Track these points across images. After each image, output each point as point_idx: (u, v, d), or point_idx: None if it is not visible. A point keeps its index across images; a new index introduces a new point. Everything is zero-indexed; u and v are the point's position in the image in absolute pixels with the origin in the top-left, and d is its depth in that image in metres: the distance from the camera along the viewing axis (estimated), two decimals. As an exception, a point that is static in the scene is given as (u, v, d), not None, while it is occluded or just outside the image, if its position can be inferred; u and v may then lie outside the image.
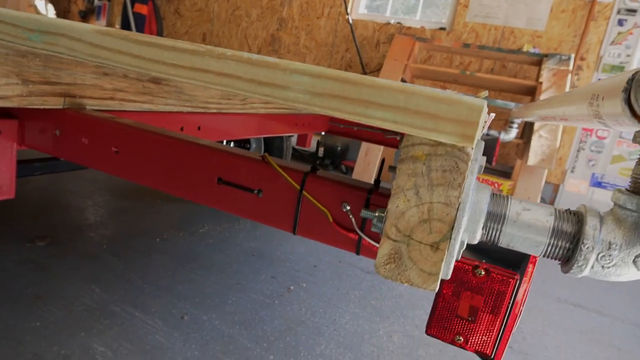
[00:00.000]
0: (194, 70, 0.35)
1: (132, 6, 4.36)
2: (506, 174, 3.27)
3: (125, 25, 4.43)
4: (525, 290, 0.42)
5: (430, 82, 3.55)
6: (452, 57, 3.50)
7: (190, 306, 1.33)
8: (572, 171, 3.31)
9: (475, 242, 0.37)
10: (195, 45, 0.37)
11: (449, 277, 0.34)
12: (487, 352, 0.41)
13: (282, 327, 1.32)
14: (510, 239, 0.34)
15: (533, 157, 2.66)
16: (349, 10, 3.79)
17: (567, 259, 0.32)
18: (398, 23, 3.68)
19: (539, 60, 2.97)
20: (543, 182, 2.73)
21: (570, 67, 2.82)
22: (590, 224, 0.31)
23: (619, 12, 3.08)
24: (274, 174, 0.62)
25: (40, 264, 1.43)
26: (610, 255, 0.30)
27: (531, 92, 2.97)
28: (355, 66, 3.79)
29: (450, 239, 0.31)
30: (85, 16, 4.98)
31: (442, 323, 0.42)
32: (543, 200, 3.25)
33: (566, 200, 3.32)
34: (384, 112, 0.29)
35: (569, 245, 0.31)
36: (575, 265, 0.31)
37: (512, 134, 1.97)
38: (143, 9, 4.39)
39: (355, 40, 3.63)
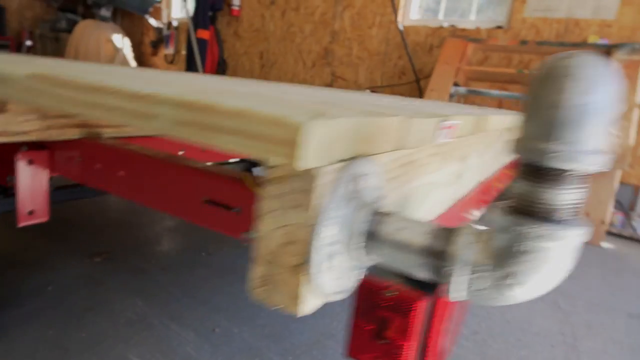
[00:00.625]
0: (86, 105, 0.38)
1: (195, 32, 4.65)
2: (577, 176, 3.02)
3: (190, 51, 4.73)
4: (449, 311, 0.40)
5: (488, 84, 3.39)
6: (510, 56, 3.32)
7: (224, 319, 1.38)
8: (655, 170, 2.97)
9: (372, 262, 0.36)
10: (89, 83, 0.40)
11: (330, 298, 0.34)
12: (404, 377, 0.39)
13: (311, 340, 1.32)
14: (390, 259, 0.32)
15: (602, 158, 2.44)
16: (400, 17, 3.75)
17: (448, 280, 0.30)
18: (451, 26, 3.57)
19: (607, 52, 2.72)
20: (616, 184, 2.49)
21: (644, 56, 2.55)
22: (462, 244, 0.29)
23: (703, -11, 2.74)
24: (251, 193, 0.64)
25: (95, 278, 1.57)
26: (482, 278, 0.28)
27: (599, 87, 2.72)
28: (408, 73, 3.73)
29: (311, 261, 0.30)
30: (155, 45, 5.40)
31: (358, 345, 0.41)
32: (619, 203, 2.94)
33: (650, 203, 2.98)
34: (231, 137, 0.29)
35: (444, 265, 0.29)
36: (452, 288, 0.29)
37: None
38: (205, 34, 4.67)
39: (407, 47, 3.57)
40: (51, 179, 1.01)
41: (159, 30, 5.34)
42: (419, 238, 0.30)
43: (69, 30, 5.17)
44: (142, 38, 5.64)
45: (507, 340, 1.42)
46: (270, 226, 0.32)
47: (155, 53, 5.51)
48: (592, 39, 2.90)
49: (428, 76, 3.57)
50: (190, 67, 4.75)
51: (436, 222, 0.32)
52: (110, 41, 5.02)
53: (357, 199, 0.33)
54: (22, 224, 0.97)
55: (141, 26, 5.60)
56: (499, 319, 1.56)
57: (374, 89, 3.84)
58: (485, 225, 0.28)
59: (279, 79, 4.54)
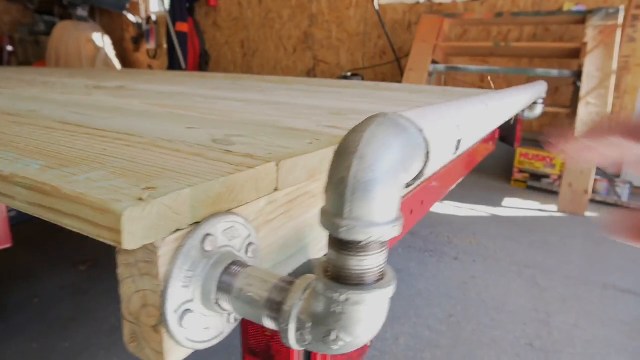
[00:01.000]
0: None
1: (174, 25, 4.60)
2: (561, 145, 3.02)
3: (171, 45, 4.69)
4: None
5: (468, 58, 3.37)
6: (489, 28, 3.28)
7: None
8: (638, 135, 2.97)
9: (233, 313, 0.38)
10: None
11: (201, 346, 0.36)
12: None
13: None
14: (243, 312, 0.35)
15: (581, 127, 2.44)
16: (376, -4, 3.70)
17: (287, 331, 0.33)
18: (428, 1, 3.52)
19: (583, 18, 2.69)
20: (597, 152, 2.49)
21: (620, 22, 2.52)
22: (289, 301, 0.31)
23: (678, -53, 2.69)
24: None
25: (79, 287, 1.61)
26: (305, 333, 0.30)
27: (576, 55, 2.71)
28: (389, 52, 3.70)
29: (166, 322, 0.33)
30: (137, 41, 5.35)
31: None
32: (600, 170, 2.96)
33: (635, 167, 2.99)
34: (71, 221, 0.31)
35: (279, 319, 0.32)
36: (284, 339, 0.32)
37: (537, 111, 1.82)
38: (184, 27, 4.62)
39: (384, 26, 3.53)
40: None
41: (138, 25, 5.29)
42: (263, 292, 0.33)
43: (48, 32, 5.12)
44: (122, 35, 5.58)
45: (480, 322, 1.46)
46: (129, 290, 0.34)
47: (137, 49, 5.47)
48: (568, 5, 2.86)
49: (408, 54, 3.55)
50: (173, 61, 4.72)
51: (277, 275, 0.34)
52: (91, 41, 4.97)
53: (211, 257, 0.35)
54: (-14, 251, 0.99)
55: (120, 23, 5.54)
56: (475, 299, 1.60)
57: (355, 72, 3.81)
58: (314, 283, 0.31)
59: (262, 67, 4.51)
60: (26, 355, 1.24)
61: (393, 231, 0.27)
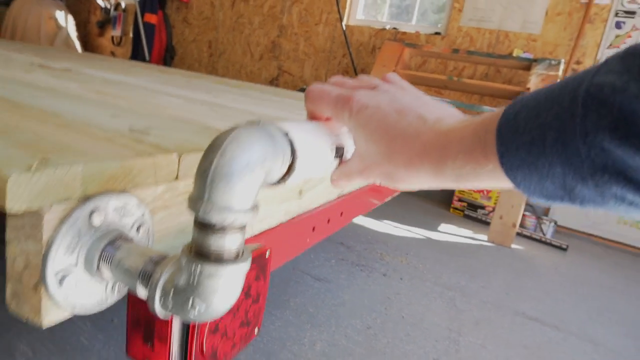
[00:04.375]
0: None
1: (143, 16, 4.55)
2: (499, 180, 3.20)
3: (137, 35, 4.62)
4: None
5: (425, 87, 3.53)
6: (446, 62, 3.47)
7: (124, 310, 1.42)
8: (568, 178, 3.20)
9: (113, 283, 0.42)
10: None
11: (81, 312, 0.40)
12: (165, 376, 0.46)
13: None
14: (121, 280, 0.39)
15: (515, 165, 2.61)
16: (345, 17, 3.82)
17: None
18: (394, 28, 3.68)
19: (529, 65, 2.90)
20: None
21: (560, 73, 2.74)
22: (158, 272, 0.36)
23: (617, 14, 2.96)
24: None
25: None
26: (167, 300, 0.35)
27: (519, 98, 2.90)
28: (351, 72, 3.81)
29: (46, 282, 0.36)
30: (102, 26, 5.23)
31: (133, 347, 0.47)
32: (532, 208, 3.17)
33: (562, 208, 3.22)
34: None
35: (148, 288, 0.36)
36: (150, 306, 0.36)
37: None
38: (152, 19, 4.57)
39: (349, 47, 3.65)
40: None
41: (106, 10, 5.17)
42: (138, 264, 0.37)
43: (7, 3, 4.91)
44: (88, 17, 5.44)
45: (396, 335, 1.54)
46: (14, 252, 0.37)
47: (102, 34, 5.33)
48: (517, 52, 3.08)
49: (369, 76, 3.67)
50: (137, 51, 4.65)
51: (156, 251, 0.38)
52: (53, 18, 4.81)
53: (98, 230, 0.39)
54: None
55: (88, 5, 5.40)
56: (395, 315, 1.68)
57: (317, 86, 3.89)
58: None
59: (227, 69, 4.53)
60: None
61: (245, 217, 0.32)
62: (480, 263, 2.35)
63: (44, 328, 0.37)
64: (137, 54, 4.66)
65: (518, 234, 2.92)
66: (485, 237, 2.79)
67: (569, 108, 0.27)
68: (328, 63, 3.97)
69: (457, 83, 3.00)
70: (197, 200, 0.32)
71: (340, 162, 0.46)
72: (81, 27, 5.37)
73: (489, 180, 0.33)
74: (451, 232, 2.81)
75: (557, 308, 1.97)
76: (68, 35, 4.91)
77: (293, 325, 1.49)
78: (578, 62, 3.04)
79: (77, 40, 5.07)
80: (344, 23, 3.69)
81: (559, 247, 2.84)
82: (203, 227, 0.32)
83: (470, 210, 3.17)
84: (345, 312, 1.64)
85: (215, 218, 0.31)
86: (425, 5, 3.75)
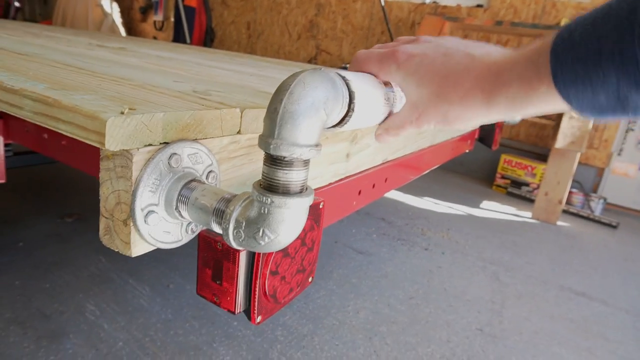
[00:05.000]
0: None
1: (183, 0, 4.64)
2: (544, 156, 3.11)
3: (178, 19, 4.73)
4: (270, 259, 0.51)
5: (466, 62, 3.44)
6: (489, 36, 3.36)
7: (179, 276, 1.51)
8: (619, 154, 3.08)
9: (190, 221, 0.46)
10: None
11: (163, 246, 0.45)
12: (232, 309, 0.51)
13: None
14: (196, 219, 0.43)
15: (562, 140, 2.54)
16: (384, -8, 3.76)
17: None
18: (434, 2, 3.59)
19: (577, 36, 2.77)
20: (575, 165, 2.59)
21: (611, 42, 2.61)
22: (231, 207, 0.40)
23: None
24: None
25: (64, 237, 1.69)
26: (240, 231, 0.39)
27: (567, 70, 2.79)
28: (390, 49, 3.76)
29: (134, 217, 0.41)
30: (144, 12, 5.38)
31: (203, 285, 0.52)
32: (580, 185, 3.06)
33: (612, 185, 3.10)
34: (67, 126, 0.40)
35: (222, 222, 0.40)
36: (225, 239, 0.40)
37: (516, 118, 1.91)
38: (192, 2, 4.66)
39: (388, 23, 3.60)
40: (9, 145, 1.10)
41: (148, -4, 5.31)
42: (213, 202, 0.41)
43: (58, -8, 5.13)
44: (131, 4, 5.60)
45: (439, 306, 1.56)
46: (107, 191, 0.42)
47: (144, 19, 5.49)
48: (564, 22, 2.94)
49: (408, 53, 3.61)
50: (178, 34, 4.77)
51: (228, 191, 0.42)
52: (99, 6, 4.99)
53: (176, 173, 0.43)
54: (-20, 185, 1.07)
55: (130, -9, 5.56)
56: (437, 287, 1.70)
57: (356, 64, 3.88)
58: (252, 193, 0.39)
59: (265, 50, 4.57)
60: (8, 291, 1.32)
61: (310, 153, 0.36)
62: (524, 239, 2.32)
63: (132, 257, 0.42)
64: (178, 38, 4.78)
65: (564, 211, 2.84)
66: (529, 215, 2.74)
67: (627, 17, 0.28)
68: (366, 40, 3.94)
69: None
70: (267, 137, 0.35)
71: (388, 116, 0.48)
72: (125, 13, 5.55)
73: (541, 103, 0.35)
74: (494, 209, 2.76)
75: (605, 284, 1.92)
76: (113, 21, 5.08)
77: (337, 295, 1.54)
78: (632, 31, 2.88)
79: (122, 27, 5.25)
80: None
81: (609, 225, 2.74)
82: (273, 162, 0.36)
83: (514, 188, 3.11)
84: (387, 283, 1.67)
85: (284, 152, 0.35)
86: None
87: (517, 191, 3.08)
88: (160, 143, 0.41)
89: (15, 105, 0.43)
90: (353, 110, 0.40)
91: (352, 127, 0.43)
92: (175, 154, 0.43)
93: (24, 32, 1.47)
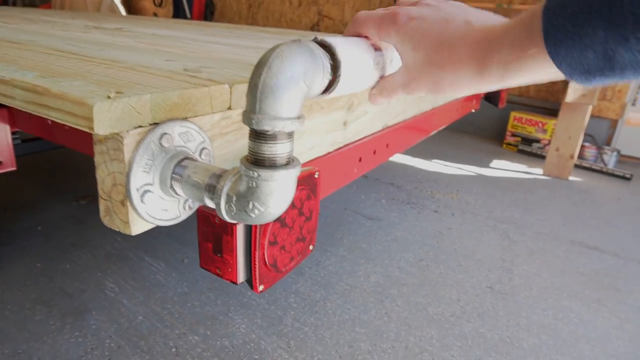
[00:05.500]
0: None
1: (180, -27, 4.55)
2: (555, 111, 3.05)
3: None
4: (267, 229, 0.52)
5: (472, 18, 3.35)
6: (494, -12, 3.24)
7: (192, 251, 1.55)
8: (633, 104, 3.00)
9: (184, 198, 0.48)
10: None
11: (161, 223, 0.46)
12: (235, 280, 0.53)
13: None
14: (190, 195, 0.44)
15: (572, 93, 2.48)
16: (384, -50, 3.64)
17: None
18: (436, -43, 3.46)
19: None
20: (586, 119, 2.54)
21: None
22: (221, 182, 0.41)
23: None
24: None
25: (80, 218, 1.73)
26: (232, 205, 0.40)
27: (577, 20, 2.70)
28: (393, 9, 3.67)
29: (130, 197, 0.43)
30: (143, -12, 5.29)
31: (205, 258, 0.54)
32: (592, 138, 3.01)
33: (626, 136, 3.04)
34: (57, 113, 0.41)
35: (214, 197, 0.42)
36: (218, 212, 0.42)
37: (511, 84, 1.87)
38: (189, -25, 4.56)
39: (389, -18, 3.49)
40: (16, 133, 1.13)
41: (144, -30, 5.21)
42: (204, 178, 0.42)
43: (53, -26, 5.06)
44: (129, -20, 5.50)
45: (449, 266, 1.58)
46: (103, 173, 0.44)
47: (142, -5, 5.41)
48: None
49: (412, 13, 3.52)
50: (178, 9, 4.70)
51: (218, 167, 0.43)
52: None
53: (168, 152, 0.44)
54: (-7, 173, 1.10)
55: (126, -33, 5.45)
56: (447, 248, 1.72)
57: (359, 28, 3.80)
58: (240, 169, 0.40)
59: (267, 19, 4.49)
60: (31, 273, 1.37)
61: (293, 125, 0.36)
62: (535, 196, 2.31)
63: (133, 235, 0.44)
64: (178, 13, 4.71)
65: (577, 165, 2.81)
66: (540, 171, 2.71)
67: None
68: (369, 3, 3.84)
69: (508, 10, 2.82)
70: (249, 112, 0.36)
71: (381, 78, 0.48)
72: (124, -8, 5.46)
73: (534, 69, 0.35)
74: (504, 168, 2.75)
75: (617, 236, 1.92)
76: (112, 1, 5.02)
77: (347, 260, 1.57)
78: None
79: (121, 5, 5.19)
80: (382, -43, 3.52)
81: (622, 177, 2.71)
82: (257, 136, 0.37)
83: (525, 145, 3.07)
84: (397, 247, 1.69)
85: (266, 126, 0.35)
86: None
87: (528, 148, 3.05)
88: (150, 124, 0.42)
89: (8, 96, 0.44)
90: (339, 76, 0.41)
91: (340, 93, 0.43)
92: (165, 133, 0.44)
93: (20, 19, 1.47)
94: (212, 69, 0.62)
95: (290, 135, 0.37)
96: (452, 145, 3.17)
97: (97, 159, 0.43)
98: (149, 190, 0.44)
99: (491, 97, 1.82)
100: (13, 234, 1.59)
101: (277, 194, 0.38)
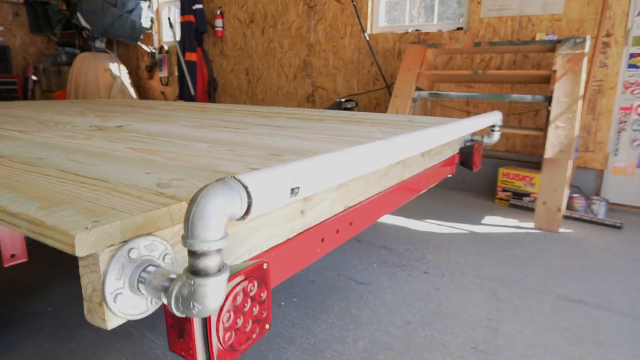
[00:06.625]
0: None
1: (184, 55, 4.94)
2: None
3: (181, 73, 5.02)
4: (222, 315, 0.64)
5: (454, 85, 3.58)
6: (472, 56, 3.49)
7: (190, 325, 1.64)
8: (615, 154, 3.12)
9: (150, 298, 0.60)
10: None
11: (134, 317, 0.58)
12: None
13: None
14: (151, 294, 0.57)
15: (550, 149, 2.62)
16: (368, 26, 3.96)
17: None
18: (416, 30, 3.76)
19: (553, 47, 2.89)
20: (567, 172, 2.66)
21: (586, 50, 2.71)
22: (172, 286, 0.53)
23: (643, -21, 2.88)
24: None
25: (86, 297, 1.84)
26: (178, 304, 0.52)
27: (549, 81, 2.90)
28: (381, 79, 3.93)
29: (105, 300, 0.55)
30: (151, 69, 5.72)
31: (172, 342, 0.65)
32: (579, 189, 3.11)
33: (614, 185, 3.13)
34: (50, 240, 0.54)
35: (167, 298, 0.54)
36: (170, 308, 0.54)
37: (494, 138, 2.02)
38: (193, 57, 4.96)
39: (374, 55, 3.77)
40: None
41: (152, 55, 5.66)
42: (161, 282, 0.55)
43: (69, 63, 5.52)
44: (138, 63, 5.96)
45: (435, 328, 1.65)
46: (85, 281, 0.56)
47: (151, 77, 5.83)
48: (540, 35, 3.06)
49: (398, 81, 3.76)
50: (183, 87, 5.05)
51: (173, 271, 0.56)
52: (108, 70, 5.35)
53: (135, 262, 0.57)
54: (7, 265, 1.24)
55: (136, 52, 5.92)
56: (435, 309, 1.78)
57: (351, 97, 4.05)
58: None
59: (265, 92, 4.79)
60: (41, 353, 1.47)
61: (217, 245, 0.49)
62: (525, 251, 2.38)
63: (108, 329, 0.55)
64: (183, 91, 5.06)
65: (567, 217, 2.89)
66: (532, 224, 2.79)
67: None
68: (358, 73, 4.12)
69: (483, 76, 3.03)
70: (185, 237, 0.49)
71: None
72: (133, 73, 5.91)
73: None
74: (496, 224, 2.83)
75: (604, 288, 1.97)
76: (122, 83, 5.42)
77: (337, 327, 1.64)
78: (608, 35, 2.98)
79: (131, 87, 5.59)
80: (367, 33, 3.83)
81: (612, 226, 2.77)
82: (192, 254, 0.50)
83: (516, 199, 3.17)
84: (385, 310, 1.76)
85: (197, 247, 0.48)
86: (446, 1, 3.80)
87: (519, 202, 3.14)
88: (120, 242, 0.56)
89: (15, 225, 0.58)
90: (251, 207, 0.54)
91: (258, 214, 0.56)
92: (133, 248, 0.57)
93: (35, 123, 1.67)
94: (181, 180, 0.77)
95: (218, 250, 0.50)
96: (445, 202, 3.28)
97: (81, 270, 0.56)
98: (120, 293, 0.56)
99: (465, 162, 1.96)
100: (25, 315, 1.70)
101: (210, 295, 0.50)
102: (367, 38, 3.74)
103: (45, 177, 0.77)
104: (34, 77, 6.13)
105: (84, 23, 5.34)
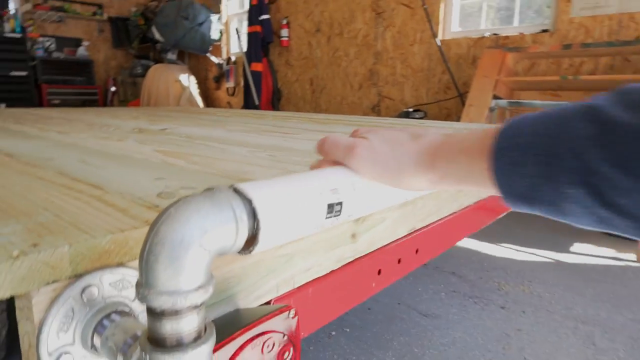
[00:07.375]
0: None
1: (250, 65, 4.94)
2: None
3: (247, 83, 5.03)
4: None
5: (537, 93, 3.20)
6: (560, 61, 3.11)
7: None
8: None
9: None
10: None
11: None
12: None
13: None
14: (107, 356, 0.38)
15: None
16: (440, 31, 3.69)
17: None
18: (494, 34, 3.43)
19: (663, 49, 2.46)
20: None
21: None
22: (129, 353, 0.34)
23: None
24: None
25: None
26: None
27: (658, 88, 2.46)
28: (452, 87, 3.63)
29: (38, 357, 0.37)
30: (218, 80, 5.81)
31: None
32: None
33: None
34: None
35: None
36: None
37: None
38: (258, 67, 4.94)
39: (446, 62, 3.49)
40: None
41: (220, 66, 5.75)
42: (119, 343, 0.36)
43: (144, 74, 5.75)
44: (206, 74, 6.09)
45: (516, 379, 1.35)
46: (21, 332, 0.39)
47: (218, 87, 5.92)
48: (646, 36, 2.63)
49: (472, 89, 3.45)
50: (248, 97, 5.05)
51: (142, 325, 0.37)
52: (178, 81, 5.49)
53: (93, 306, 0.39)
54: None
55: (205, 64, 6.06)
56: (516, 356, 1.48)
57: (419, 107, 3.79)
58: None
59: (329, 103, 4.65)
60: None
61: (190, 299, 0.29)
62: (627, 289, 1.98)
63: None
64: (248, 101, 5.06)
65: (678, 249, 2.41)
66: (634, 257, 2.36)
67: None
68: (427, 82, 3.85)
69: (575, 82, 2.65)
70: (138, 284, 0.30)
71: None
72: (202, 84, 6.03)
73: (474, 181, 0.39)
74: (587, 252, 2.43)
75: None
76: (191, 94, 5.54)
77: (395, 368, 1.40)
78: None
79: (199, 97, 5.70)
80: (438, 39, 3.56)
81: None
82: (149, 312, 0.30)
83: (611, 225, 2.72)
84: (455, 352, 1.49)
85: (154, 302, 0.29)
86: (527, 3, 3.44)
87: (615, 229, 2.69)
88: (70, 276, 0.38)
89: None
90: (259, 234, 0.34)
91: (269, 247, 0.36)
92: (90, 285, 0.39)
93: (84, 124, 1.61)
94: (192, 189, 0.59)
95: (194, 307, 0.30)
96: (525, 224, 2.89)
97: (18, 314, 0.39)
98: (67, 352, 0.38)
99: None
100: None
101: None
102: (439, 44, 3.47)
103: (31, 180, 0.63)
104: (113, 88, 6.47)
105: (157, 36, 5.54)
